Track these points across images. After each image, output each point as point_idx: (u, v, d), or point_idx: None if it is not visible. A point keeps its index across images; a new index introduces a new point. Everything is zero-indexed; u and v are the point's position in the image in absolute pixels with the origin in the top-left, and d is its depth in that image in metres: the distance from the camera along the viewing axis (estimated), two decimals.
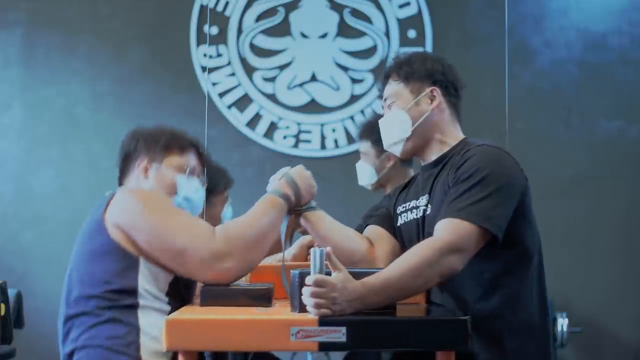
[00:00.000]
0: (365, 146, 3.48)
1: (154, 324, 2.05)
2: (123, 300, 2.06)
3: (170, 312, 2.06)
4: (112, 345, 2.04)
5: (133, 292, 2.06)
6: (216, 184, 3.20)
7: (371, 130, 3.41)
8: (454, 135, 2.29)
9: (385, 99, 2.32)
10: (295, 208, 2.28)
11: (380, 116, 2.35)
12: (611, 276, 5.13)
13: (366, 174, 3.48)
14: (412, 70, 2.27)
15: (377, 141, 3.33)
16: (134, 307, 2.06)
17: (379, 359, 2.89)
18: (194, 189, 2.40)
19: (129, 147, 2.35)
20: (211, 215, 3.22)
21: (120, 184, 2.37)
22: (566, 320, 4.69)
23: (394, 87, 2.30)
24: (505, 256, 2.12)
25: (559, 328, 4.68)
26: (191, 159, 2.36)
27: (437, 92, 2.27)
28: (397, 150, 2.31)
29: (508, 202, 2.07)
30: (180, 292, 2.15)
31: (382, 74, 2.35)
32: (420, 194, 2.28)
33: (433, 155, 2.28)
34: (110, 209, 2.12)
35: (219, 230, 2.10)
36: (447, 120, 2.28)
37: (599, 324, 5.14)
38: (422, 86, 2.27)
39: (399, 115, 2.26)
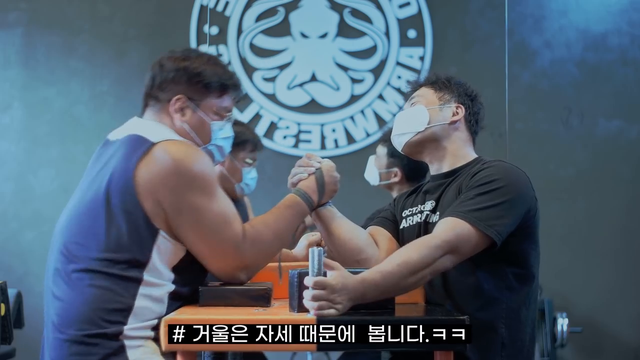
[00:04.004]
0: (380, 150, 3.51)
1: (147, 308, 1.94)
2: (126, 271, 1.92)
3: (175, 289, 1.98)
4: (96, 309, 1.90)
5: (142, 265, 1.94)
6: (246, 140, 3.31)
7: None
8: (468, 154, 2.32)
9: (412, 98, 2.35)
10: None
11: None
12: (611, 276, 5.13)
13: (371, 173, 3.52)
14: (447, 84, 2.33)
15: (393, 153, 3.36)
16: (137, 281, 1.93)
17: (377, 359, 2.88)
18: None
19: (164, 75, 2.17)
20: (232, 167, 3.32)
21: (145, 106, 2.20)
22: (566, 320, 4.67)
23: (424, 90, 2.35)
24: (509, 273, 2.14)
25: (559, 328, 4.66)
26: (230, 103, 2.18)
27: (462, 110, 2.31)
28: (401, 141, 2.32)
29: (513, 216, 2.08)
30: (190, 267, 2.02)
31: (415, 81, 2.41)
32: (427, 199, 2.29)
33: (445, 167, 2.30)
34: (147, 170, 1.94)
35: (250, 237, 2.03)
36: (462, 139, 2.31)
37: (599, 324, 5.13)
38: (450, 99, 2.31)
39: (420, 111, 2.29)
